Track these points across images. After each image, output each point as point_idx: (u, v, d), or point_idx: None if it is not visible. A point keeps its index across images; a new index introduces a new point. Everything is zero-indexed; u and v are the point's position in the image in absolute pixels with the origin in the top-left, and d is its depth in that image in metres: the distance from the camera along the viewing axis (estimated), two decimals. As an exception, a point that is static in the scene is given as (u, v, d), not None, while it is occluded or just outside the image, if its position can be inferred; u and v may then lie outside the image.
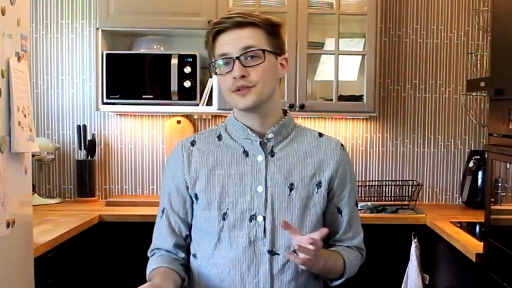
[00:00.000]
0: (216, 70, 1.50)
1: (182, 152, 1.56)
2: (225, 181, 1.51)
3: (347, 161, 1.59)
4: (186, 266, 1.58)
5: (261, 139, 1.52)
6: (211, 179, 1.52)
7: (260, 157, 1.51)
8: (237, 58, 1.45)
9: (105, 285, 2.90)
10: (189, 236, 1.59)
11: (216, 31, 1.48)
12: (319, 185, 1.52)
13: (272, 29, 1.50)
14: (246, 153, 1.52)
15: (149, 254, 1.62)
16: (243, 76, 1.45)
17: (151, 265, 1.55)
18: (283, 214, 1.49)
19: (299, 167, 1.52)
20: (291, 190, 1.50)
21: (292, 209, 1.50)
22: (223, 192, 1.50)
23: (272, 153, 1.52)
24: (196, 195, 1.53)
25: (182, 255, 1.59)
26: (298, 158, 1.53)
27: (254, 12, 1.54)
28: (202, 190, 1.52)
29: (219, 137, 1.56)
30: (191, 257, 1.58)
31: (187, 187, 1.54)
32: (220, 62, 1.48)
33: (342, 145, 1.59)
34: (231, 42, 1.46)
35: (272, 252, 1.49)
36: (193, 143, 1.57)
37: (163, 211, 1.59)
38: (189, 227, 1.59)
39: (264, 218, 1.49)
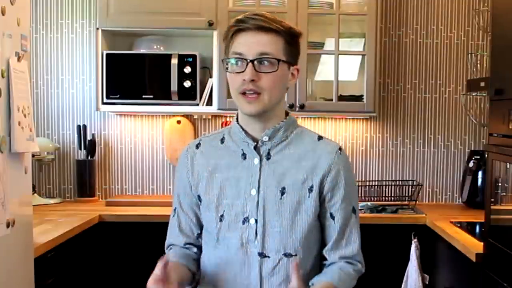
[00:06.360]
0: (228, 68, 1.50)
1: (187, 154, 1.60)
2: (223, 183, 1.53)
3: (343, 165, 1.54)
4: (198, 260, 1.62)
5: (255, 143, 1.52)
6: (210, 181, 1.54)
7: (256, 160, 1.52)
8: (251, 61, 1.44)
9: (105, 285, 2.90)
10: (200, 235, 1.62)
11: (237, 29, 1.48)
12: (310, 189, 1.51)
13: (291, 39, 1.50)
14: (244, 156, 1.54)
15: (166, 251, 1.66)
16: (253, 80, 1.44)
17: None
18: (273, 217, 1.49)
19: (292, 171, 1.52)
20: (282, 194, 1.50)
21: (282, 213, 1.50)
22: (221, 194, 1.53)
23: (268, 156, 1.53)
24: (199, 197, 1.57)
25: (195, 249, 1.63)
26: (292, 161, 1.52)
27: (276, 18, 1.50)
28: (203, 192, 1.55)
29: (222, 140, 1.59)
30: (202, 253, 1.63)
31: (191, 189, 1.58)
32: (233, 60, 1.48)
33: (340, 148, 1.56)
34: (249, 44, 1.45)
35: (262, 255, 1.50)
36: (198, 146, 1.61)
37: (174, 210, 1.64)
38: (200, 226, 1.62)
39: (256, 220, 1.50)
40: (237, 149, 1.55)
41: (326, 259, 1.57)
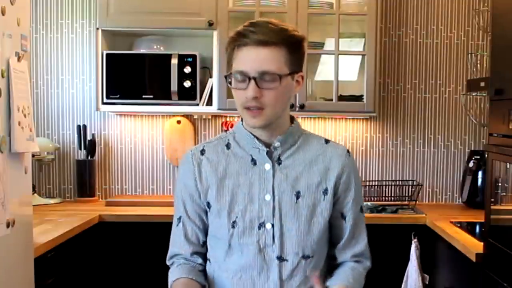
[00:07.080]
0: (232, 83, 1.48)
1: (192, 161, 1.57)
2: (234, 190, 1.53)
3: (352, 167, 1.58)
4: (205, 271, 1.61)
5: (268, 149, 1.52)
6: (221, 188, 1.53)
7: (268, 166, 1.52)
8: (253, 78, 1.43)
9: (105, 285, 2.90)
10: (206, 242, 1.61)
11: (237, 44, 1.45)
12: (325, 192, 1.53)
13: (293, 47, 1.47)
14: (254, 162, 1.54)
15: (168, 263, 1.63)
16: (256, 97, 1.44)
17: (171, 277, 1.57)
18: (290, 221, 1.51)
19: (305, 175, 1.53)
20: (297, 198, 1.52)
21: (298, 217, 1.51)
22: (232, 201, 1.52)
23: (279, 161, 1.53)
24: (208, 203, 1.56)
25: (200, 261, 1.60)
26: (304, 166, 1.54)
27: (278, 24, 1.47)
28: (213, 199, 1.54)
29: (228, 146, 1.58)
30: (207, 261, 1.61)
31: (200, 196, 1.56)
32: (235, 78, 1.46)
33: (348, 151, 1.59)
34: (250, 61, 1.43)
35: (281, 258, 1.50)
36: (202, 152, 1.58)
37: (179, 219, 1.60)
38: (206, 233, 1.60)
39: (273, 225, 1.50)
40: (245, 154, 1.55)
41: (335, 258, 1.60)
